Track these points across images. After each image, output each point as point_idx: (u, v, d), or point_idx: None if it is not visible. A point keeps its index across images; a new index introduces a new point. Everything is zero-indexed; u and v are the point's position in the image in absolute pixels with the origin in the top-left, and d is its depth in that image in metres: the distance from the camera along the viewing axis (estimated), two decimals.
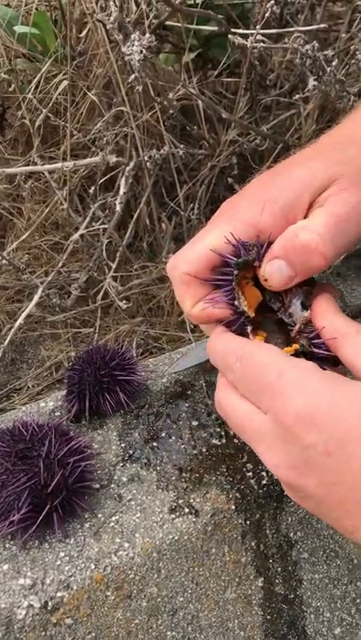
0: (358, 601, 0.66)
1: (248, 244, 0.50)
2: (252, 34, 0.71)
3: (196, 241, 0.52)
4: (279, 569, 0.61)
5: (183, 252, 0.52)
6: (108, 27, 0.64)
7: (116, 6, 0.66)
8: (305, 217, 0.49)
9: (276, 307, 0.52)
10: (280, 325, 0.52)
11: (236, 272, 0.50)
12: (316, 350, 0.48)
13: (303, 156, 0.54)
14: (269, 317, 0.52)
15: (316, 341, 0.49)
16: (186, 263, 0.51)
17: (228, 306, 0.51)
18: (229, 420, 0.49)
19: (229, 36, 0.71)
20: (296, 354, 0.49)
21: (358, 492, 0.41)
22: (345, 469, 0.41)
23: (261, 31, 0.69)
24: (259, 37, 0.70)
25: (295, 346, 0.49)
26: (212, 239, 0.50)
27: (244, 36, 0.73)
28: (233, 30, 0.74)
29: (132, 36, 0.60)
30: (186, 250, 0.52)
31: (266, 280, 0.49)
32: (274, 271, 0.49)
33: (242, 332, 0.51)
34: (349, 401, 0.42)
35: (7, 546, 0.55)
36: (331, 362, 0.48)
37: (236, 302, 0.50)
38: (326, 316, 0.48)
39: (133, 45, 0.60)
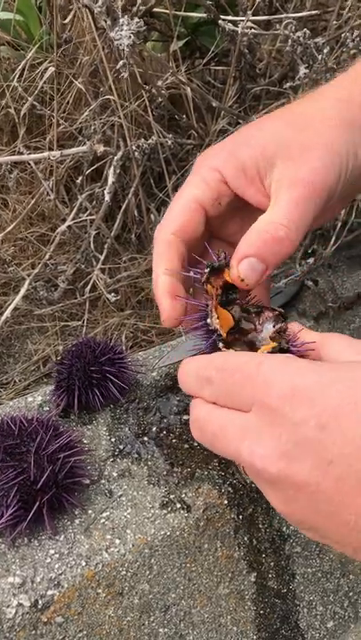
0: (351, 594, 0.65)
1: (216, 251, 0.51)
2: (242, 20, 0.70)
3: (175, 199, 0.53)
4: (272, 563, 0.61)
5: (167, 214, 0.53)
6: (95, 12, 0.62)
7: None
8: (261, 181, 0.51)
9: (249, 328, 0.53)
10: (250, 347, 0.52)
11: (206, 270, 0.51)
12: (294, 349, 0.48)
13: (280, 113, 0.55)
14: (239, 339, 0.53)
15: (294, 342, 0.49)
16: (171, 222, 0.52)
17: (200, 325, 0.51)
18: (207, 431, 0.45)
19: (220, 22, 0.70)
20: (273, 351, 0.48)
21: (359, 464, 0.37)
22: (342, 443, 0.37)
23: (252, 18, 0.68)
24: (249, 24, 0.69)
25: (273, 344, 0.49)
26: (190, 191, 0.52)
27: (235, 23, 0.71)
28: (223, 17, 0.73)
29: (121, 21, 0.58)
30: (168, 211, 0.53)
31: (243, 280, 0.50)
32: (247, 269, 0.49)
33: (213, 351, 0.51)
34: (337, 375, 0.40)
35: None
36: None
37: (208, 320, 0.50)
38: (301, 328, 0.50)
39: (122, 30, 0.58)
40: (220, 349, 0.50)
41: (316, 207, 0.49)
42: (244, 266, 0.49)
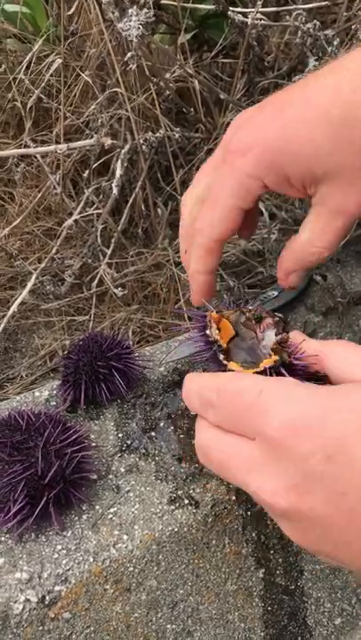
0: (359, 591, 0.65)
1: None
2: (252, 11, 0.69)
3: (214, 204, 0.54)
4: (280, 560, 0.60)
5: (206, 217, 0.54)
6: (103, 2, 0.62)
7: None
8: (304, 187, 0.51)
9: (250, 337, 0.53)
10: (251, 355, 0.53)
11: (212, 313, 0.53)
12: (296, 362, 0.48)
13: (318, 110, 0.50)
14: (240, 348, 0.53)
15: (296, 355, 0.48)
16: (214, 228, 0.54)
17: (200, 337, 0.53)
18: (213, 458, 0.45)
19: (230, 13, 0.69)
20: (275, 367, 0.48)
21: None
22: (351, 473, 0.37)
23: (262, 9, 0.67)
24: (258, 15, 0.68)
25: (274, 357, 0.49)
26: (232, 200, 0.53)
27: (244, 14, 0.71)
28: (232, 9, 0.72)
29: (130, 11, 0.58)
30: (209, 214, 0.54)
31: (293, 288, 0.57)
32: (295, 280, 0.56)
33: (214, 361, 0.51)
34: (340, 402, 0.39)
35: (2, 539, 0.53)
36: (311, 376, 0.47)
37: (208, 331, 0.52)
38: (302, 339, 0.50)
39: (131, 21, 0.58)
40: (220, 361, 0.50)
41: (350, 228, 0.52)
42: (293, 278, 0.56)
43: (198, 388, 0.47)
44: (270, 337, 0.52)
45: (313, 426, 0.38)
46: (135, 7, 0.59)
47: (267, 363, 0.48)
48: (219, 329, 0.52)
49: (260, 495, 0.40)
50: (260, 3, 0.66)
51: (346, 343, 0.48)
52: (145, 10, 0.58)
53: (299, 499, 0.38)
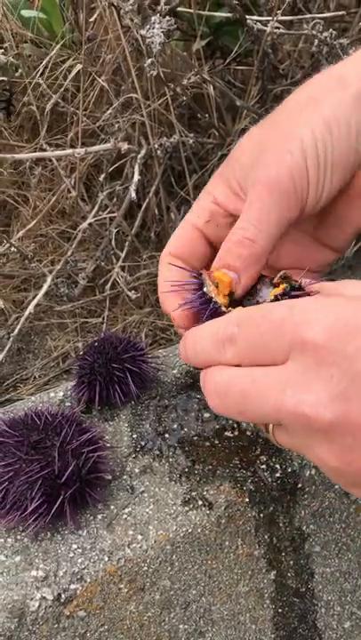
0: None
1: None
2: (269, 20, 0.70)
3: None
4: (291, 562, 0.61)
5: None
6: (125, 10, 0.63)
7: None
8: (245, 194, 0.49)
9: (247, 299, 0.50)
10: None
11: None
12: (307, 287, 0.44)
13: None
14: (236, 304, 0.49)
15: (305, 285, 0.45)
16: (169, 244, 0.53)
17: (197, 298, 0.49)
18: (234, 392, 0.39)
19: (248, 21, 0.70)
20: (288, 293, 0.45)
21: None
22: None
23: (281, 18, 0.68)
24: (275, 24, 0.69)
25: (282, 286, 0.46)
26: (187, 216, 0.52)
27: (263, 23, 0.71)
28: (249, 17, 0.73)
29: (153, 19, 0.59)
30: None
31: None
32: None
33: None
34: None
35: (19, 537, 0.54)
36: None
37: (205, 289, 0.48)
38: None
39: (154, 28, 0.58)
40: (223, 312, 0.46)
41: (288, 197, 0.46)
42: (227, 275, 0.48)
43: (212, 330, 0.43)
44: (266, 292, 0.48)
45: (358, 323, 0.34)
46: (158, 15, 0.60)
47: (276, 291, 0.45)
48: (216, 285, 0.48)
49: (298, 411, 0.35)
50: (278, 12, 0.67)
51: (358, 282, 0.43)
52: (167, 18, 0.59)
53: (345, 407, 0.34)
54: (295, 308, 0.38)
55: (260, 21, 0.71)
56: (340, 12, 0.73)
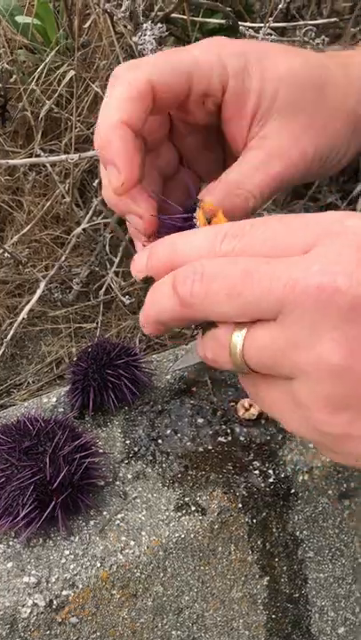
0: None
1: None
2: (262, 26, 0.70)
3: None
4: (285, 568, 0.61)
5: None
6: (118, 16, 0.63)
7: None
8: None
9: None
10: None
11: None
12: None
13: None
14: None
15: None
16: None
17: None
18: (228, 273, 0.32)
19: (240, 28, 0.71)
20: None
21: None
22: None
23: (273, 24, 0.69)
24: (267, 30, 0.69)
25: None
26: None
27: (255, 29, 0.72)
28: (242, 24, 0.74)
29: (145, 26, 0.59)
30: None
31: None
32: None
33: None
34: None
35: (11, 543, 0.54)
36: None
37: (195, 221, 0.41)
38: None
39: (145, 35, 0.59)
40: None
41: (288, 169, 0.44)
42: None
43: (209, 230, 0.36)
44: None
45: None
46: (150, 22, 0.60)
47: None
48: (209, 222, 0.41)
49: (325, 282, 0.30)
50: (270, 19, 0.68)
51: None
52: (159, 25, 0.59)
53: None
54: (320, 215, 0.33)
55: (252, 28, 0.71)
56: (333, 19, 0.74)
